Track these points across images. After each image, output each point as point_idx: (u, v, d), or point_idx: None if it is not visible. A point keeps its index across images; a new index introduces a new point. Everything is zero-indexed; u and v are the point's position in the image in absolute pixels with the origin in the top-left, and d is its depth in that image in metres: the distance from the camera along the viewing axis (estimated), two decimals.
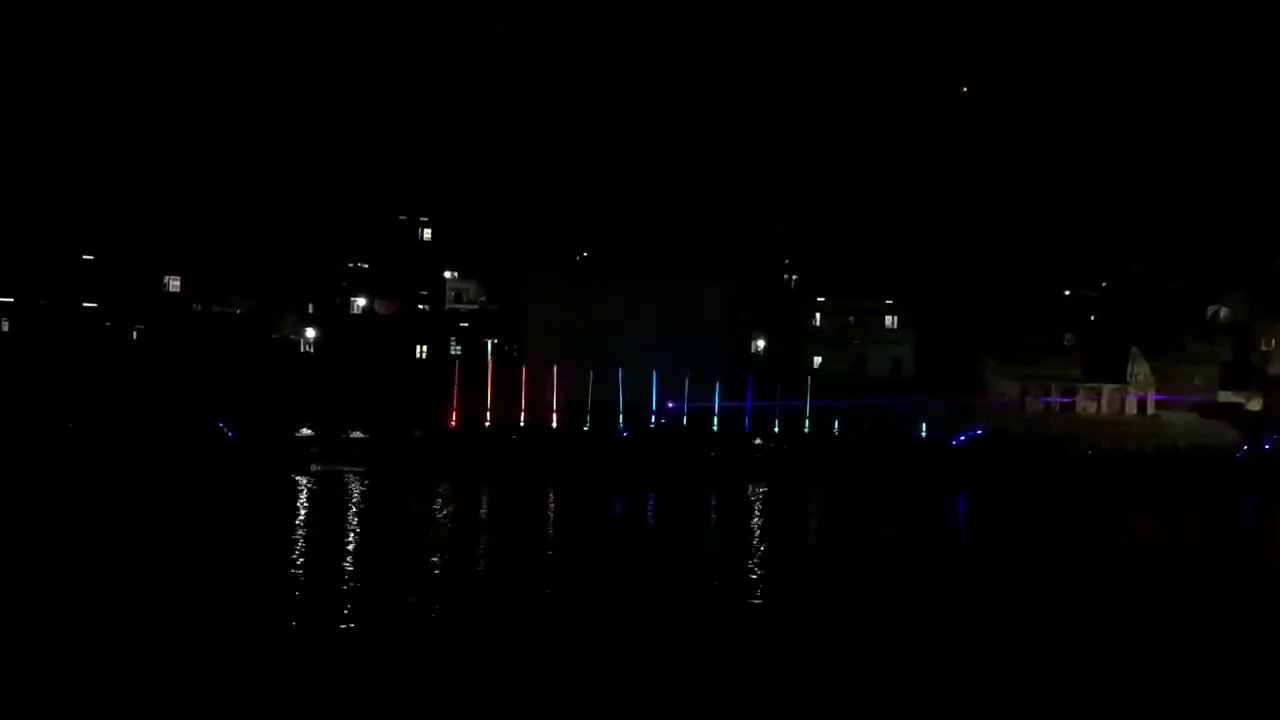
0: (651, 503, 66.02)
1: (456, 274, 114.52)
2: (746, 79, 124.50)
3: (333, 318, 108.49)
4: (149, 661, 23.72)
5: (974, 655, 26.53)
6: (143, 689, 21.89)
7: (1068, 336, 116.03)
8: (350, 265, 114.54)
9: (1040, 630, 29.70)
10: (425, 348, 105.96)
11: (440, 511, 60.73)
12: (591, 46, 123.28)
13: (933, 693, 22.99)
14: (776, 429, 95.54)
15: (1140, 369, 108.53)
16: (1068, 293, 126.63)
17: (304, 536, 45.12)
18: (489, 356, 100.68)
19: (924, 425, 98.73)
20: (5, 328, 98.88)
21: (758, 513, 62.54)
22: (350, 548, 43.03)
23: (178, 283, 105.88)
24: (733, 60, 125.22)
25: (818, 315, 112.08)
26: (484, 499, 66.32)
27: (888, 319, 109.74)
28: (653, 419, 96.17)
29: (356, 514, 54.93)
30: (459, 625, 28.88)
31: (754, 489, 74.49)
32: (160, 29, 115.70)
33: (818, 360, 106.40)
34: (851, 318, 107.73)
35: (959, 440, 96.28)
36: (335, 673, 23.55)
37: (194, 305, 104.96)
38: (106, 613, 28.74)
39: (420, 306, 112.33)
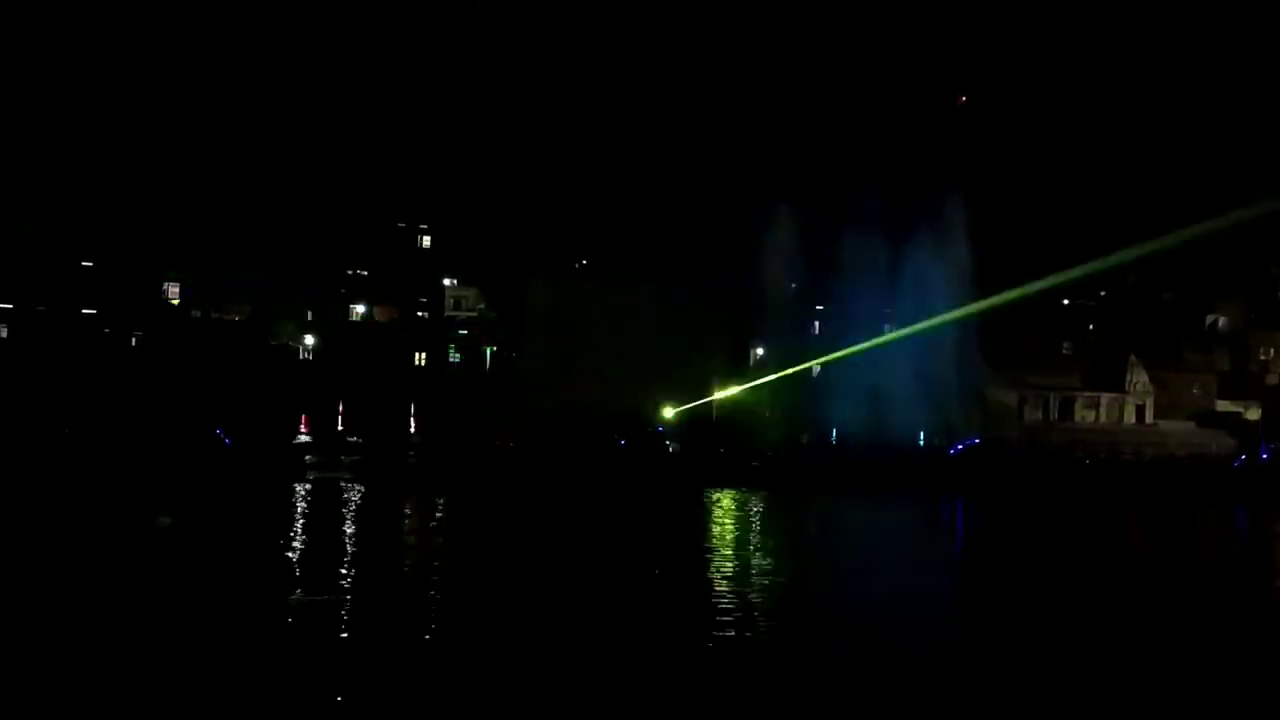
0: (648, 509, 66.06)
1: (455, 281, 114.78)
2: (744, 85, 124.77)
3: (331, 325, 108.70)
4: (145, 664, 23.83)
5: (971, 656, 26.69)
6: (139, 691, 22.00)
7: (1066, 345, 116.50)
8: (349, 272, 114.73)
9: (1035, 632, 29.85)
10: (424, 355, 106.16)
11: (436, 519, 60.78)
12: (592, 52, 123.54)
13: (928, 693, 23.15)
14: (775, 436, 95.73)
15: (1138, 378, 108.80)
16: (1066, 302, 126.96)
17: (299, 543, 45.21)
18: (488, 363, 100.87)
19: (922, 433, 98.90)
20: (4, 334, 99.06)
21: (754, 521, 62.64)
22: (345, 554, 43.12)
23: (177, 289, 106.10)
24: (731, 66, 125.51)
25: (816, 323, 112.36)
26: (481, 506, 66.32)
27: (885, 327, 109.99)
28: (651, 426, 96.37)
29: (353, 522, 55.00)
30: (452, 630, 28.97)
31: (751, 496, 74.55)
32: (159, 35, 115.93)
33: (817, 368, 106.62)
34: (849, 324, 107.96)
35: (956, 449, 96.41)
36: (328, 677, 23.66)
37: (193, 312, 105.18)
38: (100, 617, 28.84)
39: (419, 314, 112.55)
